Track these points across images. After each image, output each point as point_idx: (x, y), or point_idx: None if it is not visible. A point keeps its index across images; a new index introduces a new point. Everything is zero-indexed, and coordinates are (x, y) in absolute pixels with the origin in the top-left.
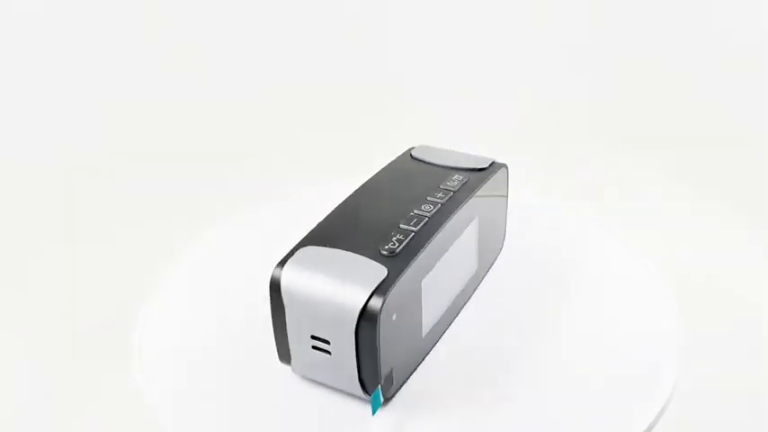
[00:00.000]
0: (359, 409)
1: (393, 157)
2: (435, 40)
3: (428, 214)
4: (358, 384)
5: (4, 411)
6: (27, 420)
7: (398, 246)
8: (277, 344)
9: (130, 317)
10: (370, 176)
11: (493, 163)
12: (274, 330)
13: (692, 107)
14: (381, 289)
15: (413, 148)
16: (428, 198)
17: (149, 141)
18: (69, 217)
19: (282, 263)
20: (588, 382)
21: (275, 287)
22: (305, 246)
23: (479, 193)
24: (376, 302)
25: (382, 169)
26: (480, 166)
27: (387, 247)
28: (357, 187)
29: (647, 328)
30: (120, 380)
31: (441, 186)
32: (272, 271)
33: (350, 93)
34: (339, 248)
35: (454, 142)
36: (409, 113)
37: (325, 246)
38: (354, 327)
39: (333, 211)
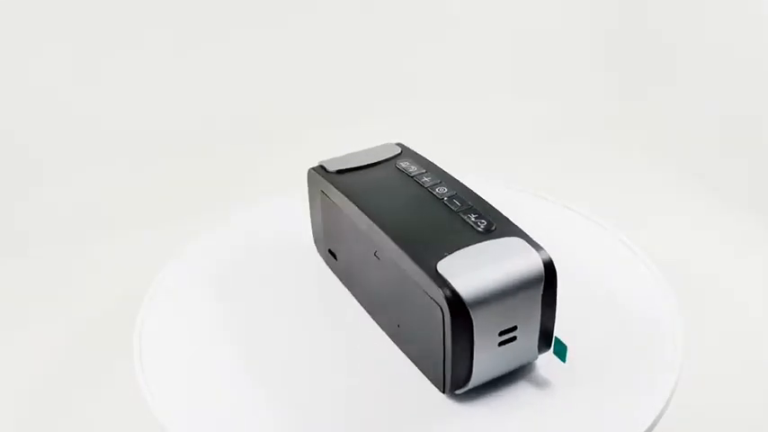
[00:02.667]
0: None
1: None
2: (425, 39)
3: (451, 191)
4: (536, 350)
5: (4, 412)
6: (27, 421)
7: (487, 221)
8: (455, 372)
9: (131, 317)
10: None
11: (398, 144)
12: (454, 359)
13: (694, 106)
14: (538, 251)
15: (320, 166)
16: (426, 185)
17: (149, 140)
18: (69, 217)
19: (445, 285)
20: (588, 382)
21: (460, 308)
22: (424, 266)
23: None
24: (548, 260)
25: (343, 190)
26: (399, 150)
27: (480, 228)
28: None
29: (646, 328)
30: (120, 380)
31: (413, 173)
32: (439, 302)
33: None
34: (455, 251)
35: (450, 143)
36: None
37: (443, 255)
38: (541, 294)
39: (388, 236)
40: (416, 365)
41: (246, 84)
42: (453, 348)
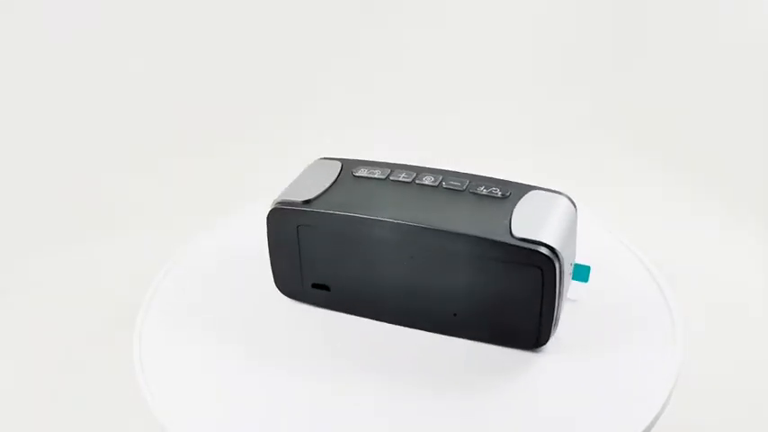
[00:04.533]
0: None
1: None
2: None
3: (437, 176)
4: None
5: (4, 412)
6: (27, 420)
7: (498, 188)
8: (550, 323)
9: (131, 317)
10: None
11: (325, 159)
12: (552, 311)
13: (693, 106)
14: (561, 194)
15: (282, 203)
16: (408, 180)
17: (148, 140)
18: (68, 217)
19: (539, 244)
20: (586, 383)
21: (556, 261)
22: (501, 237)
23: None
24: (569, 197)
25: (342, 210)
26: (339, 163)
27: (499, 194)
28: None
29: (645, 326)
30: (120, 381)
31: (382, 175)
32: (536, 262)
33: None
34: (508, 218)
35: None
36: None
37: (504, 225)
38: (576, 227)
39: (438, 230)
40: (488, 341)
41: (245, 83)
42: (551, 300)
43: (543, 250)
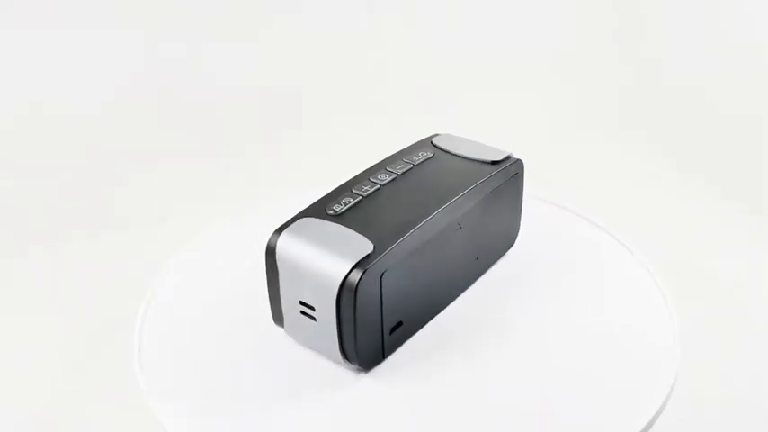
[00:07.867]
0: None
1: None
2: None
3: (384, 171)
4: None
5: (5, 412)
6: (28, 420)
7: (421, 152)
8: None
9: (131, 316)
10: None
11: (281, 230)
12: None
13: (693, 105)
14: (439, 134)
15: (358, 265)
16: (377, 186)
17: (147, 141)
18: (68, 217)
19: (505, 159)
20: (585, 384)
21: (521, 167)
22: (489, 170)
23: None
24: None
25: (390, 244)
26: (303, 222)
27: (429, 156)
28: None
29: (643, 323)
30: (119, 381)
31: (352, 201)
32: (514, 169)
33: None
34: (468, 158)
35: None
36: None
37: (475, 163)
38: None
39: (466, 194)
40: (492, 263)
41: (246, 84)
42: (521, 195)
43: (514, 159)
